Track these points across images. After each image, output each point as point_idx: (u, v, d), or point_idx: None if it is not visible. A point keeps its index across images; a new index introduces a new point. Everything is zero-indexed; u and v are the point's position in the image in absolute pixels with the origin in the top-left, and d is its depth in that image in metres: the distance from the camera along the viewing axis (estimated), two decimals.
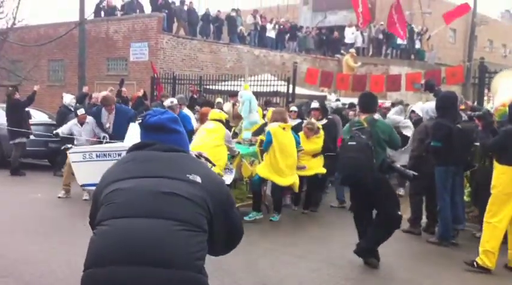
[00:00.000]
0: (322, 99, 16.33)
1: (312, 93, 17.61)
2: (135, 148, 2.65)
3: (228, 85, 16.43)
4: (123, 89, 14.53)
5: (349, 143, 6.07)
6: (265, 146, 8.28)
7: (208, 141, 7.76)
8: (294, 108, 10.70)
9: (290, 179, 8.32)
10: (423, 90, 10.94)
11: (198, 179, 2.46)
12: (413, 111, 9.55)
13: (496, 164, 6.28)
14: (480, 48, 33.04)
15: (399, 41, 26.05)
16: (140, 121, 2.67)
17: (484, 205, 7.65)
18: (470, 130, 7.41)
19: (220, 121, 8.16)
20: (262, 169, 8.34)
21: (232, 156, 8.37)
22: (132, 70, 21.31)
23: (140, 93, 14.33)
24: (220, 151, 7.79)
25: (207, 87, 17.65)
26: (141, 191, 2.39)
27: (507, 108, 7.15)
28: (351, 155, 5.99)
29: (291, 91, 15.35)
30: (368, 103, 6.45)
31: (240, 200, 8.53)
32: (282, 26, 26.29)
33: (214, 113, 8.42)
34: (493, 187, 6.24)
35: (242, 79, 17.07)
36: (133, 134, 8.21)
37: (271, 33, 25.38)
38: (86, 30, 19.42)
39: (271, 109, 9.51)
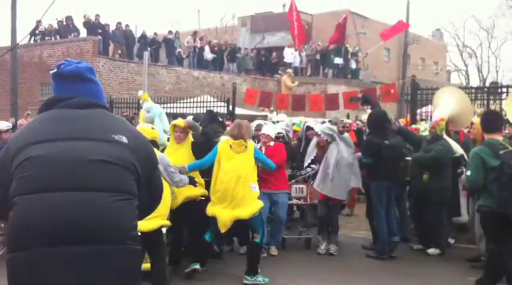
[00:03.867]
0: (263, 119, 16.44)
1: (253, 113, 17.70)
2: (49, 103, 2.36)
3: (167, 107, 16.27)
4: None
5: None
6: (199, 163, 6.35)
7: None
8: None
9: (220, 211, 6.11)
10: (360, 104, 11.11)
11: (124, 139, 2.27)
12: (310, 128, 8.80)
13: None
14: (413, 66, 34.24)
15: (336, 61, 26.69)
16: (54, 70, 2.39)
17: (421, 219, 7.87)
18: (399, 145, 7.60)
19: (152, 142, 5.34)
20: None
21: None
22: None
23: None
24: None
25: None
26: (66, 159, 2.13)
27: (445, 123, 7.45)
28: None
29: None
30: (496, 122, 5.81)
31: None
32: (215, 48, 26.24)
33: (143, 129, 5.52)
34: None
35: (182, 101, 17.01)
36: None
37: (208, 56, 25.40)
38: (19, 55, 18.88)
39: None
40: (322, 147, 7.76)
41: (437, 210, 7.57)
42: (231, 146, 6.17)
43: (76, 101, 2.33)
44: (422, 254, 7.66)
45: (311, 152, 8.17)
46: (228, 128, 6.71)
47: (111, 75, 21.09)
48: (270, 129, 8.01)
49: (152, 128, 5.82)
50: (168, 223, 5.59)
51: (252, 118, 15.43)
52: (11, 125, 8.47)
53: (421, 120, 11.62)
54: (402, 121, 10.91)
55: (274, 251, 7.62)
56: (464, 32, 73.14)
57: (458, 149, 7.60)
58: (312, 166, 8.04)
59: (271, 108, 17.71)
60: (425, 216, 7.67)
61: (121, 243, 2.11)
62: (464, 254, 7.48)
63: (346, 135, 7.84)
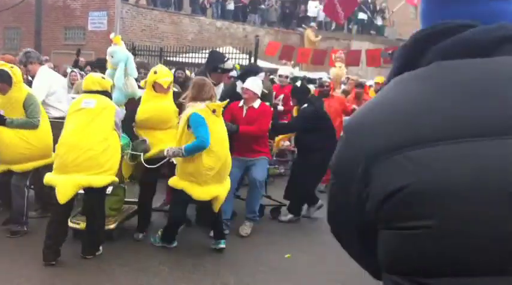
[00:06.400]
0: (271, 71, 16.40)
1: (274, 67, 17.63)
2: (438, 36, 1.03)
3: (189, 57, 16.30)
4: (81, 59, 14.27)
5: None
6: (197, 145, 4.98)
7: (89, 130, 4.83)
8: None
9: (214, 189, 5.17)
10: (391, 59, 10.83)
11: None
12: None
13: None
14: None
15: (361, 16, 26.23)
16: None
17: None
18: None
19: (104, 92, 5.08)
20: (174, 179, 5.25)
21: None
22: (90, 40, 20.84)
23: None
24: (110, 146, 4.88)
25: (168, 58, 17.48)
26: None
27: None
28: None
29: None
30: None
31: (115, 212, 5.72)
32: None
33: (92, 79, 5.12)
34: None
35: (204, 51, 17.00)
36: None
37: (230, 6, 25.16)
38: None
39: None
40: None
41: None
42: (214, 111, 5.07)
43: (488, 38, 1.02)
44: None
45: None
46: (192, 91, 5.17)
47: (134, 21, 21.05)
48: (254, 83, 6.11)
49: (102, 77, 5.23)
50: (117, 179, 5.02)
51: (271, 72, 15.42)
52: None
53: None
54: None
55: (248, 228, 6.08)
56: None
57: None
58: None
59: (292, 62, 17.67)
60: None
61: None
62: None
63: None
